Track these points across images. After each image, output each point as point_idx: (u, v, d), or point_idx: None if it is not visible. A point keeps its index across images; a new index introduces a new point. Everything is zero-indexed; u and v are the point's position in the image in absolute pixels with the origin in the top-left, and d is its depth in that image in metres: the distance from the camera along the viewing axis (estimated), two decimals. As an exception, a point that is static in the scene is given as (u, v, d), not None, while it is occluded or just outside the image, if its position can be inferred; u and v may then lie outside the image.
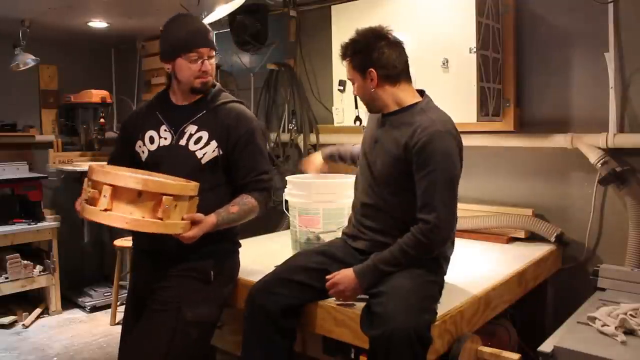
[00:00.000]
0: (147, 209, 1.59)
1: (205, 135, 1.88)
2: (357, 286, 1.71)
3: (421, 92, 1.88)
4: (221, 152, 1.88)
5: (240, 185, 1.90)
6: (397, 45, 1.82)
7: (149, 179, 1.63)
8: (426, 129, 1.72)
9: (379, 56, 1.78)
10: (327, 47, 3.02)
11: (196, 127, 1.89)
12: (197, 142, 1.88)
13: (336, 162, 2.31)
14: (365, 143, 1.94)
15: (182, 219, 1.68)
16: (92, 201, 1.60)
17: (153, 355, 1.76)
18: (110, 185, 1.57)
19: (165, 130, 1.92)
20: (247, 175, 1.89)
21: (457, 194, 1.78)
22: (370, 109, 1.90)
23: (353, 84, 1.86)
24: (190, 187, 1.71)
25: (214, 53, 1.91)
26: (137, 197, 1.57)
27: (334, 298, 1.77)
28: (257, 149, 1.92)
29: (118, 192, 1.57)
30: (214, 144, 1.87)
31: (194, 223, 1.71)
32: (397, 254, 1.71)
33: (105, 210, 1.57)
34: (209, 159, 1.87)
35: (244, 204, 1.85)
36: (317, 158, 2.34)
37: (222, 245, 1.94)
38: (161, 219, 1.60)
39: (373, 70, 1.79)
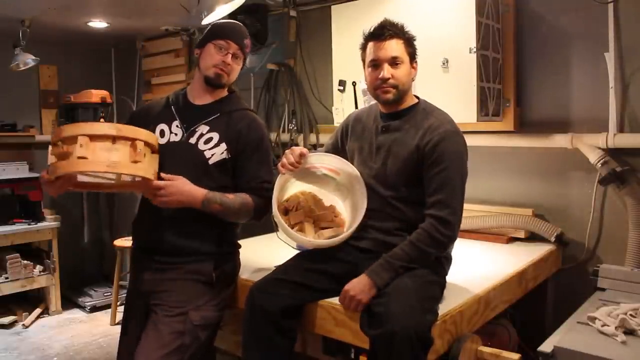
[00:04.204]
0: (122, 154, 1.64)
1: (216, 136, 1.89)
2: (371, 285, 1.66)
3: None
4: (229, 155, 1.89)
5: (243, 189, 1.91)
6: None
7: (122, 125, 1.70)
8: (437, 129, 1.76)
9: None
10: (327, 47, 3.02)
11: (208, 127, 1.91)
12: (207, 142, 1.89)
13: None
14: (363, 151, 1.93)
15: (161, 176, 1.73)
16: (65, 156, 1.63)
17: None
18: (86, 135, 1.61)
19: (177, 126, 1.93)
20: (251, 181, 1.90)
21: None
22: (394, 98, 1.82)
23: (395, 64, 1.78)
24: (155, 138, 1.79)
25: (241, 56, 1.93)
26: (112, 143, 1.63)
27: (349, 308, 1.68)
28: (264, 157, 1.94)
29: (93, 141, 1.62)
30: (223, 146, 1.88)
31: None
32: (409, 250, 1.69)
33: (83, 158, 1.60)
34: (216, 160, 1.88)
35: (241, 197, 1.87)
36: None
37: (222, 248, 1.94)
38: (136, 162, 1.66)
39: (416, 63, 1.85)
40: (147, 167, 1.72)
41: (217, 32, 1.92)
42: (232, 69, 1.92)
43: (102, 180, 1.86)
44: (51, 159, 1.68)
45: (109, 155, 1.62)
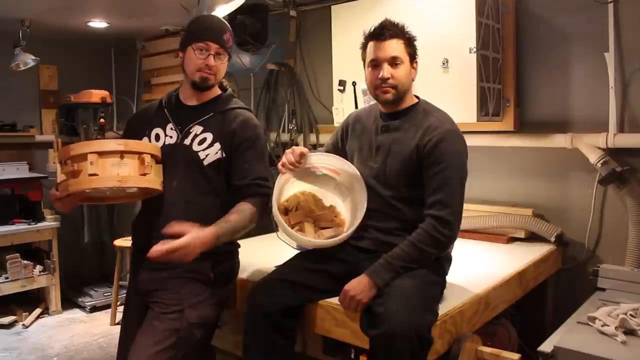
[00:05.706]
0: (131, 168, 1.71)
1: (209, 136, 1.88)
2: (371, 285, 1.65)
3: None
4: (224, 155, 1.87)
5: (237, 186, 1.87)
6: None
7: (129, 140, 1.78)
8: (437, 129, 1.76)
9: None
10: (327, 47, 3.03)
11: (202, 128, 1.89)
12: (201, 142, 1.88)
13: None
14: (363, 151, 1.93)
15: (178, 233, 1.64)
16: (76, 174, 1.68)
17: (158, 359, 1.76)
18: (95, 152, 1.67)
19: (171, 128, 1.92)
20: (245, 177, 1.87)
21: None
22: (394, 98, 1.82)
23: (395, 64, 1.78)
24: (158, 149, 1.85)
25: (224, 53, 1.90)
26: (120, 159, 1.70)
27: (349, 308, 1.68)
28: (258, 155, 1.91)
29: (102, 158, 1.68)
30: (217, 146, 1.87)
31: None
32: (409, 250, 1.69)
33: (94, 175, 1.66)
34: (211, 161, 1.87)
35: (242, 210, 1.81)
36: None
37: (221, 247, 1.93)
38: (145, 174, 1.73)
39: (416, 63, 1.85)
40: (155, 178, 1.78)
41: (195, 33, 1.89)
42: (217, 69, 1.89)
43: (109, 193, 1.89)
44: (61, 177, 1.72)
45: (118, 170, 1.69)
